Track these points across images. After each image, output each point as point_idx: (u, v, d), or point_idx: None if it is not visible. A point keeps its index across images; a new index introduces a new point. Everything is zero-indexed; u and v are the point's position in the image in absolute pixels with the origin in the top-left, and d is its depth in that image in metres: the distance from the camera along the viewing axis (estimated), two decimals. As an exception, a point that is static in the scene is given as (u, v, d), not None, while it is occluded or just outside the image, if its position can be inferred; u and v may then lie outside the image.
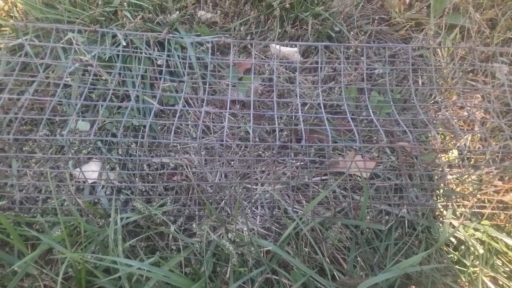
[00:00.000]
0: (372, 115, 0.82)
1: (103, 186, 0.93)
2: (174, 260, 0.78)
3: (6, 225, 0.76)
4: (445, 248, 0.86)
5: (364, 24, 1.21)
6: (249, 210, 0.91)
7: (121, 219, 0.81)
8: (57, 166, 0.95)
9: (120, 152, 0.98)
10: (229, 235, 0.82)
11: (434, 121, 1.00)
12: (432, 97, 1.02)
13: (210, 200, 0.91)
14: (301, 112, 0.84)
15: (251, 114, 0.81)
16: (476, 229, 0.86)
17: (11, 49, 1.08)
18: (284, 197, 0.95)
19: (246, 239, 0.80)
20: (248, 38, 1.18)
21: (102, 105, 1.01)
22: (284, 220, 0.87)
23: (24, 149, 0.95)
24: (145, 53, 1.03)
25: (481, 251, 0.84)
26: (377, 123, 0.80)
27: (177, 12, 1.17)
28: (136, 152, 0.99)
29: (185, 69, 1.04)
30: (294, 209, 0.92)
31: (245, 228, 0.85)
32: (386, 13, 1.24)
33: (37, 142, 0.92)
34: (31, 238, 0.82)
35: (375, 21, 1.21)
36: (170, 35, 0.88)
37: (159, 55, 1.03)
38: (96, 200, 0.92)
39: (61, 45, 0.89)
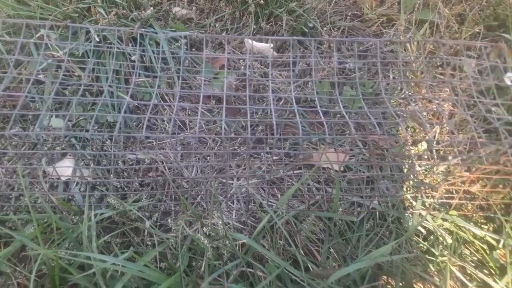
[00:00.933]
0: (341, 108, 0.84)
1: (77, 183, 0.93)
2: (149, 255, 0.78)
3: (-23, 223, 0.75)
4: (415, 238, 0.89)
5: (337, 20, 1.22)
6: (224, 205, 0.92)
7: (95, 215, 0.82)
8: (30, 163, 0.94)
9: (93, 149, 0.97)
10: (205, 229, 0.83)
11: (404, 114, 1.03)
12: (402, 91, 1.04)
13: (185, 196, 0.91)
14: (275, 107, 0.85)
15: (224, 108, 0.82)
16: (444, 219, 0.89)
17: (-18, 46, 1.07)
18: (259, 191, 0.96)
19: (221, 232, 0.81)
20: (224, 34, 1.19)
21: (73, 101, 1.00)
22: (259, 213, 0.89)
23: (-5, 147, 0.94)
24: (118, 48, 1.03)
25: (450, 240, 0.87)
26: (347, 116, 0.82)
27: (152, 8, 1.16)
28: (111, 149, 0.98)
29: (159, 64, 1.05)
30: (269, 203, 0.93)
31: (220, 222, 0.86)
32: (359, 9, 1.26)
33: (8, 139, 0.92)
34: (4, 236, 0.82)
35: (348, 17, 1.23)
36: (143, 29, 0.88)
37: (133, 51, 1.03)
38: (70, 197, 0.91)
39: (32, 41, 0.88)
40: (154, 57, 1.07)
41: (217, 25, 1.19)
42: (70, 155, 0.98)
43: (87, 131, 1.00)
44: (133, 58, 1.01)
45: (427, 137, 0.99)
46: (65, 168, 0.94)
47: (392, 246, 0.80)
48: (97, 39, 0.99)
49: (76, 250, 0.80)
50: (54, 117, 1.01)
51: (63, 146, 0.98)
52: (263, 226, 0.83)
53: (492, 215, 0.90)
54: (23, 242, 0.75)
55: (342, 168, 0.98)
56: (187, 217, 0.88)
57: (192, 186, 0.94)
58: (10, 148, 0.94)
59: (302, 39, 0.91)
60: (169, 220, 0.86)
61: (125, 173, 0.95)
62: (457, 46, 1.15)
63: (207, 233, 0.83)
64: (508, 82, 0.87)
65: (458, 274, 0.84)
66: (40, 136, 0.97)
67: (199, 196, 0.94)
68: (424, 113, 1.02)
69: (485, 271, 0.85)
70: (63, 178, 0.93)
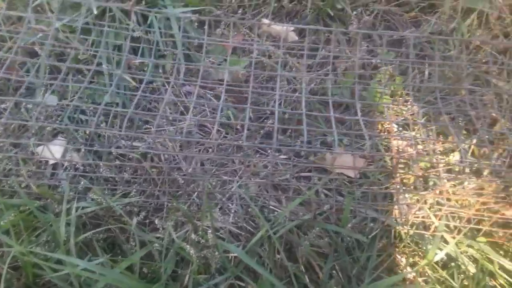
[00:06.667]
0: (358, 113, 0.72)
1: (66, 168, 0.86)
2: (128, 262, 0.70)
3: None
4: (433, 264, 0.77)
5: (371, 2, 1.08)
6: (218, 210, 0.82)
7: (77, 208, 0.74)
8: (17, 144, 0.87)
9: (87, 132, 0.90)
10: (193, 236, 0.74)
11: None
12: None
13: (180, 192, 0.83)
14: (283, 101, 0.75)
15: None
16: (470, 246, 0.77)
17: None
18: (262, 192, 0.86)
19: (211, 242, 0.72)
20: (240, 11, 1.07)
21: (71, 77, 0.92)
22: (259, 220, 0.79)
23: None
24: (121, 23, 0.94)
25: (473, 270, 0.76)
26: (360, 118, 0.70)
27: (165, -22, 1.06)
28: (105, 133, 0.90)
29: (155, 46, 0.95)
30: (272, 208, 0.83)
31: (210, 231, 0.77)
32: (397, -9, 1.10)
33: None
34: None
35: (384, 0, 1.08)
36: (137, 7, 0.78)
37: (136, 27, 0.93)
38: (57, 183, 0.84)
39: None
40: (161, 35, 0.97)
41: (233, 0, 1.07)
42: (62, 137, 0.90)
43: (82, 111, 0.93)
44: (135, 34, 0.91)
45: (460, 148, 0.86)
46: (54, 150, 0.87)
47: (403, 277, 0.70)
48: (95, 12, 0.89)
49: (54, 245, 0.74)
50: (48, 94, 0.94)
51: (54, 127, 0.90)
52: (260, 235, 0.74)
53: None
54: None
55: (358, 175, 0.86)
56: (178, 217, 0.80)
57: (188, 183, 0.85)
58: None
59: (318, 28, 0.79)
60: (156, 221, 0.78)
61: (118, 161, 0.87)
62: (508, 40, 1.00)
63: (196, 240, 0.74)
64: None
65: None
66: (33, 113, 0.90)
67: (195, 193, 0.85)
68: (460, 119, 0.88)
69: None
70: (50, 162, 0.86)
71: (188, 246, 0.70)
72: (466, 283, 0.75)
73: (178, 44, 0.97)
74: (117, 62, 0.95)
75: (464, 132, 0.89)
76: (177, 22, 0.99)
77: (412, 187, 0.85)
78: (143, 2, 1.02)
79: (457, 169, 0.84)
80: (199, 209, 0.83)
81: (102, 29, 0.87)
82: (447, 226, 0.79)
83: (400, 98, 0.94)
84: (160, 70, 0.98)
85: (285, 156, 0.91)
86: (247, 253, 0.75)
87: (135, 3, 0.71)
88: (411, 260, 0.78)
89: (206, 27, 0.83)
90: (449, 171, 0.86)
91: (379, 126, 0.95)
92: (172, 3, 1.04)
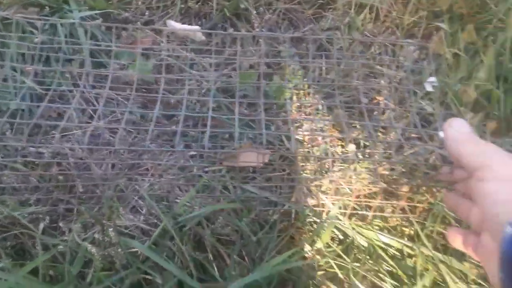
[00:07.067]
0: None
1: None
2: (31, 265, 0.72)
3: None
4: (328, 243, 0.84)
5: (275, 1, 1.13)
6: (130, 209, 0.85)
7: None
8: None
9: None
10: (97, 235, 0.77)
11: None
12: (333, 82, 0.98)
13: (84, 196, 0.85)
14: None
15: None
16: (359, 226, 0.84)
17: None
18: (174, 189, 0.90)
19: (114, 239, 0.75)
20: (147, 13, 1.09)
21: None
22: (162, 216, 0.82)
23: None
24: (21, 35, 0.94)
25: (365, 244, 0.83)
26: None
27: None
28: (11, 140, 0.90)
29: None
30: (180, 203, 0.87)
31: (126, 224, 0.81)
32: (299, -11, 1.16)
33: None
34: None
35: (286, -2, 1.14)
36: (19, 15, 0.79)
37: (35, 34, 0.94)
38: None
39: None
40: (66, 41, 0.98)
41: (139, 3, 1.09)
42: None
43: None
44: (35, 40, 0.92)
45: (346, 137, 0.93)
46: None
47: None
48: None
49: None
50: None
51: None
52: (162, 229, 0.78)
53: (411, 219, 0.85)
54: None
55: (261, 165, 0.92)
56: (86, 219, 0.82)
57: (98, 186, 0.87)
58: None
59: (211, 32, 0.85)
60: (61, 225, 0.80)
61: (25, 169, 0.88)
62: (399, 31, 1.08)
63: (101, 239, 0.77)
64: (428, 87, 0.80)
65: (373, 279, 0.80)
66: None
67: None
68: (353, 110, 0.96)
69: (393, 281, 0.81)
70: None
71: (89, 245, 0.73)
72: (359, 256, 0.82)
73: (85, 49, 0.98)
74: (21, 70, 0.95)
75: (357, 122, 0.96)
76: (83, 27, 1.00)
77: (310, 174, 0.91)
78: (47, 8, 1.03)
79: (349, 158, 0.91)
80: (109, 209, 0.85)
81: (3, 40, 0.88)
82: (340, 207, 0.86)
83: (302, 91, 1.00)
84: (67, 75, 0.98)
85: (194, 152, 0.94)
86: (155, 247, 0.79)
87: (17, 11, 0.72)
88: (309, 240, 0.84)
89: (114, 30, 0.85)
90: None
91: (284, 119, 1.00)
92: (78, 7, 1.05)
